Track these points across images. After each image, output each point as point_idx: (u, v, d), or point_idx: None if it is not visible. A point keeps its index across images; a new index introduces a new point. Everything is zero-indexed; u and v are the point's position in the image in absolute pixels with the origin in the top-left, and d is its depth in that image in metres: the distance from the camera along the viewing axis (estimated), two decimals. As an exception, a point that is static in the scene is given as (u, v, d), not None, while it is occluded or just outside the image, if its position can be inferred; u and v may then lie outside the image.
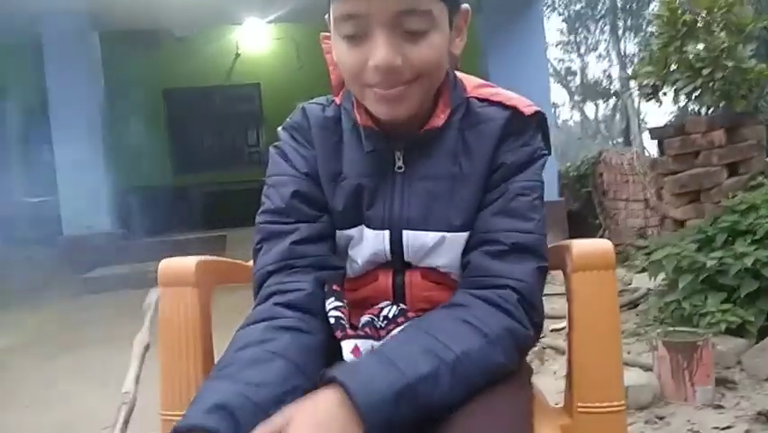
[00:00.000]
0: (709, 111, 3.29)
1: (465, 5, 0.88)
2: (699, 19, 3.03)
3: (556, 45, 18.58)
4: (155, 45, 7.99)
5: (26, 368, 3.48)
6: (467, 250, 0.87)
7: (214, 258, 1.06)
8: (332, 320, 0.82)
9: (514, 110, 0.89)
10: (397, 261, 0.90)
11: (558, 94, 20.27)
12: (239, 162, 8.72)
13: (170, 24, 7.33)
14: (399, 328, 0.83)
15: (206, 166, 8.63)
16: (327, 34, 0.88)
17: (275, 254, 0.87)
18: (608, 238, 5.98)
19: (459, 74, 0.94)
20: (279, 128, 0.96)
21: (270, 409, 0.66)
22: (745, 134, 2.96)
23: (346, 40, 0.80)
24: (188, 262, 0.97)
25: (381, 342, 0.80)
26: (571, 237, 5.13)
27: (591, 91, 18.11)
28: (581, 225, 6.76)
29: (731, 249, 2.72)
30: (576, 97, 19.06)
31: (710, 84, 2.92)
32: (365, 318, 0.86)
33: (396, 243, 0.88)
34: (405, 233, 0.87)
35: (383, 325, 0.84)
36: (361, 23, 0.78)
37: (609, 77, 17.94)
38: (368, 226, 0.89)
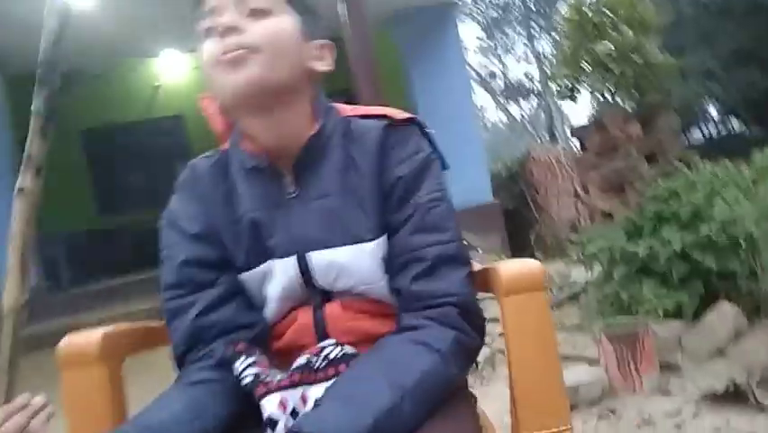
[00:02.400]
0: (625, 103, 3.41)
1: (327, 42, 0.93)
2: (605, 20, 3.14)
3: (476, 51, 19.09)
4: (68, 85, 7.64)
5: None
6: (393, 275, 0.87)
7: (125, 325, 0.97)
8: (249, 378, 0.79)
9: (389, 119, 0.92)
10: (315, 295, 0.89)
11: (483, 97, 20.79)
12: (167, 198, 8.42)
13: (84, 63, 7.03)
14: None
15: (133, 204, 8.28)
16: (205, 97, 0.95)
17: (182, 334, 0.86)
18: (544, 232, 6.14)
19: (338, 104, 0.97)
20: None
21: None
22: (659, 124, 3.08)
23: (206, 36, 0.86)
24: (93, 337, 0.88)
25: (329, 382, 0.78)
26: (509, 234, 5.22)
27: (514, 92, 18.67)
28: (518, 222, 6.91)
29: (659, 236, 2.81)
30: (500, 99, 19.59)
31: (622, 80, 3.02)
32: (301, 360, 0.82)
33: (304, 268, 0.87)
34: (309, 255, 0.87)
35: (322, 366, 0.81)
36: (215, 14, 0.85)
37: (529, 77, 18.58)
38: (273, 257, 0.88)
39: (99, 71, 7.68)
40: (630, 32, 3.12)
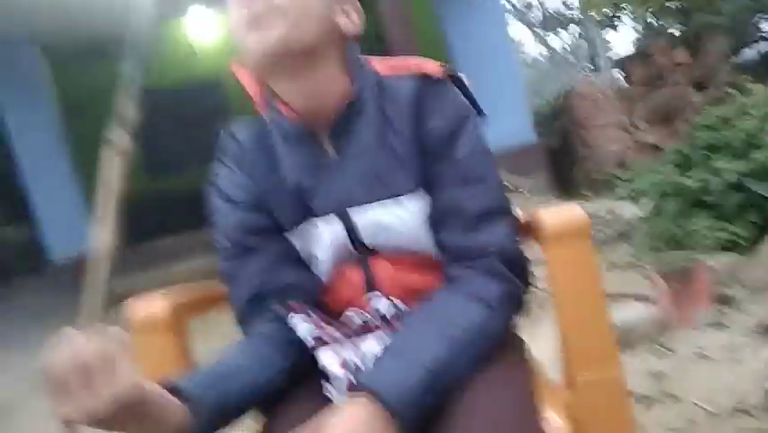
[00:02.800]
0: (670, 28, 3.24)
1: (354, 1, 0.92)
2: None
3: (511, -19, 18.26)
4: (104, 53, 7.76)
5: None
6: (436, 229, 0.88)
7: (186, 288, 1.02)
8: (304, 333, 0.84)
9: (423, 75, 0.91)
10: (360, 251, 0.91)
11: (521, 30, 20.02)
12: (213, 158, 8.58)
13: (114, 28, 7.10)
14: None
15: (181, 166, 8.50)
16: (237, 65, 0.96)
17: (239, 298, 0.90)
18: (591, 167, 5.98)
19: (368, 57, 0.97)
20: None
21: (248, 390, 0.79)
22: (708, 48, 2.92)
23: (234, 6, 0.86)
24: (160, 303, 0.94)
25: (380, 333, 0.84)
26: (554, 173, 5.12)
27: (553, 22, 17.89)
28: (563, 159, 6.76)
29: (711, 167, 2.72)
30: (539, 31, 18.83)
31: (663, 4, 2.86)
32: (352, 314, 0.86)
33: (348, 225, 0.89)
34: (352, 212, 0.88)
35: (372, 320, 0.85)
36: None
37: (568, 5, 17.71)
38: (318, 217, 0.90)
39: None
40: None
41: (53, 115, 5.95)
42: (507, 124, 5.91)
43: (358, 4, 0.93)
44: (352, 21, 0.91)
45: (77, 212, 5.82)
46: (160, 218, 7.48)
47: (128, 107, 0.80)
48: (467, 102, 0.92)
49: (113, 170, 0.78)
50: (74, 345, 0.62)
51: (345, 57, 0.92)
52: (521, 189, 5.79)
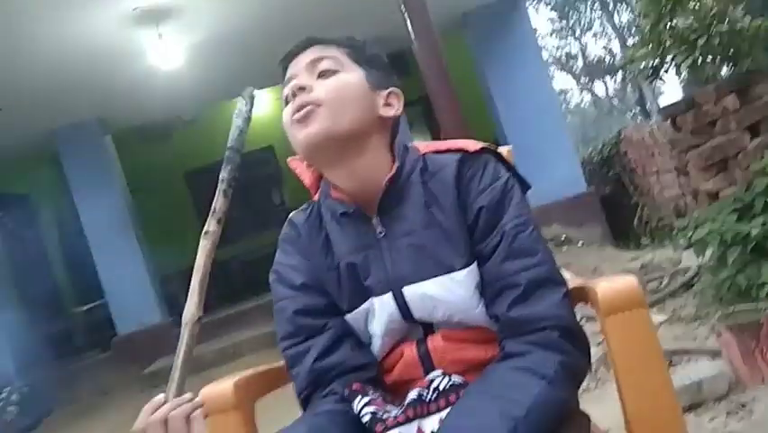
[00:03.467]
0: (717, 75, 3.21)
1: (394, 89, 0.99)
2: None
3: (551, 34, 18.50)
4: (166, 133, 8.25)
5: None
6: (489, 303, 0.89)
7: (252, 371, 1.07)
8: (367, 417, 0.85)
9: (462, 151, 0.95)
10: (416, 329, 0.93)
11: (564, 80, 20.08)
12: (269, 224, 8.85)
13: (179, 111, 7.57)
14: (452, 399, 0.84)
15: (239, 235, 8.77)
16: (292, 158, 1.06)
17: (303, 380, 0.93)
18: (648, 215, 5.83)
19: (414, 142, 1.03)
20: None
21: None
22: (758, 92, 2.87)
23: (286, 102, 0.96)
24: (226, 386, 0.99)
25: (441, 414, 0.83)
26: (609, 221, 5.02)
27: (596, 70, 17.90)
28: (617, 207, 6.62)
29: (773, 212, 2.62)
30: (582, 79, 18.86)
31: (709, 52, 2.85)
32: (413, 394, 0.86)
33: (402, 302, 0.92)
34: (405, 289, 0.91)
35: (433, 398, 0.85)
36: (292, 82, 0.95)
37: (611, 51, 17.74)
38: (372, 295, 0.93)
39: (192, 117, 8.24)
40: (710, 0, 2.94)
41: (120, 194, 6.29)
42: (558, 175, 5.88)
43: (398, 88, 0.99)
44: (391, 104, 0.98)
45: (142, 287, 6.06)
46: (222, 289, 7.69)
47: (220, 201, 0.93)
48: (510, 174, 0.95)
49: (205, 254, 0.90)
50: (160, 408, 0.75)
51: (389, 138, 0.98)
52: (576, 241, 5.69)
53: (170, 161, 8.33)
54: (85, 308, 6.69)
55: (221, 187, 0.95)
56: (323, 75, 0.94)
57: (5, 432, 2.99)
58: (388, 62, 1.04)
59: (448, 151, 0.96)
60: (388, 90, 0.98)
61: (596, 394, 2.41)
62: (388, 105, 0.97)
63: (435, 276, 0.90)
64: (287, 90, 0.96)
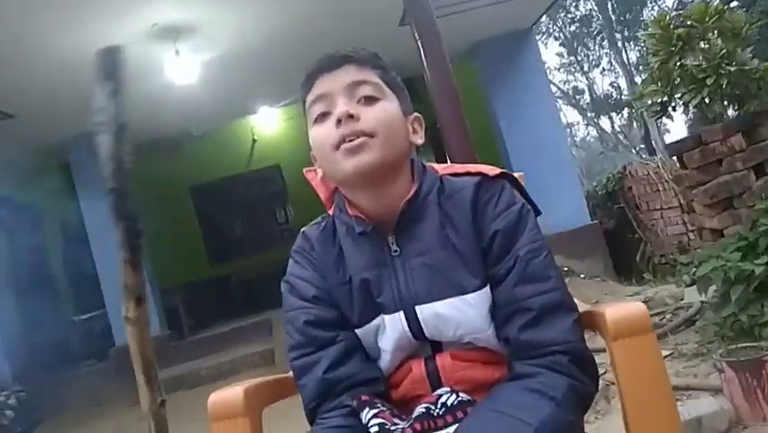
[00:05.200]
0: (723, 116, 3.25)
1: (417, 113, 1.01)
2: (692, 31, 3.04)
3: (559, 69, 18.70)
4: (175, 147, 8.32)
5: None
6: (500, 325, 0.90)
7: (260, 380, 1.08)
8: (375, 429, 0.85)
9: (480, 175, 0.96)
10: (425, 346, 0.94)
11: (570, 114, 20.24)
12: (272, 243, 8.87)
13: (189, 126, 7.64)
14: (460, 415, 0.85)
15: (241, 252, 8.79)
16: (308, 168, 1.04)
17: (312, 390, 0.94)
18: (651, 251, 5.82)
19: (430, 163, 1.04)
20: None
21: None
22: (764, 133, 2.92)
23: (317, 122, 0.95)
24: (236, 393, 1.00)
25: (449, 429, 0.84)
26: (611, 255, 5.00)
27: (603, 105, 18.05)
28: (620, 242, 6.64)
29: (777, 252, 2.63)
30: (589, 114, 19.01)
31: (717, 92, 2.90)
32: (421, 408, 0.87)
33: (413, 321, 0.92)
34: (417, 308, 0.92)
35: (441, 413, 0.86)
36: (327, 101, 0.94)
37: (618, 88, 17.90)
38: (384, 313, 0.94)
39: (202, 133, 8.32)
40: (720, 41, 3.00)
41: (127, 205, 6.30)
42: (562, 207, 5.91)
43: (420, 116, 1.03)
44: (420, 134, 1.01)
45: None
46: (221, 304, 7.68)
47: (127, 275, 0.80)
48: (524, 200, 0.97)
49: (136, 342, 0.79)
50: None
51: (409, 162, 1.00)
52: (578, 273, 5.69)
53: (176, 174, 8.38)
54: (84, 317, 6.67)
55: (123, 257, 0.84)
56: (365, 101, 0.94)
57: (0, 436, 2.97)
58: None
59: (466, 174, 0.98)
60: (413, 116, 1.01)
61: (596, 426, 2.40)
62: (413, 129, 1.00)
63: (448, 297, 0.91)
64: (319, 108, 0.95)
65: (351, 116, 0.91)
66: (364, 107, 0.93)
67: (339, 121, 0.92)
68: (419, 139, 1.00)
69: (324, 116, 0.95)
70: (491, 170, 0.98)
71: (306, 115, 0.99)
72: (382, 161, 0.92)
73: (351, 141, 0.91)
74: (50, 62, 4.46)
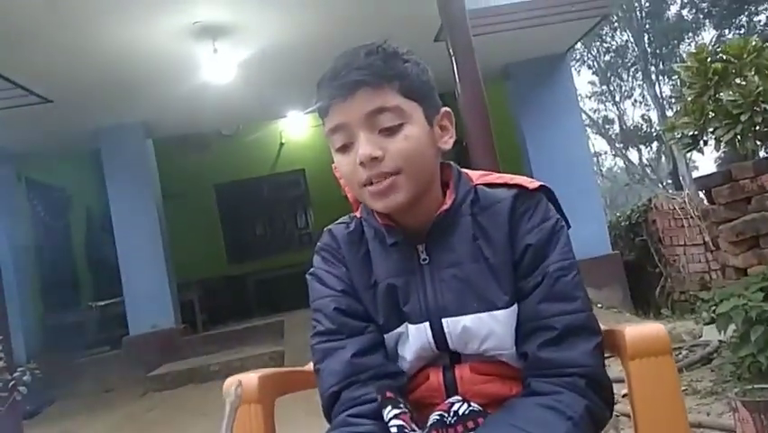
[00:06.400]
0: (756, 154, 3.22)
1: (445, 108, 0.96)
2: (729, 66, 3.03)
3: (590, 97, 18.59)
4: (204, 144, 8.45)
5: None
6: (520, 340, 0.89)
7: (274, 370, 1.10)
8: (394, 430, 0.85)
9: (519, 187, 0.94)
10: (445, 355, 0.93)
11: (599, 143, 20.08)
12: (291, 246, 8.93)
13: (219, 125, 7.76)
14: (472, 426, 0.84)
15: (259, 253, 8.86)
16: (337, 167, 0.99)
17: (336, 373, 0.91)
18: (671, 286, 5.73)
19: (464, 170, 1.00)
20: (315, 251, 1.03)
21: None
22: (795, 174, 2.89)
23: (339, 152, 0.92)
24: (251, 379, 1.02)
25: None
26: (630, 288, 4.95)
27: (632, 137, 17.89)
28: (640, 275, 6.55)
29: (801, 295, 2.59)
30: (617, 144, 18.84)
31: (751, 129, 2.88)
32: (434, 417, 0.87)
33: (438, 333, 0.91)
34: (444, 321, 0.91)
35: (452, 422, 0.86)
36: (346, 132, 0.89)
37: (649, 120, 17.75)
38: (409, 322, 0.93)
39: (231, 132, 8.44)
40: (757, 78, 2.98)
41: (153, 198, 6.41)
42: (584, 234, 5.84)
43: (449, 110, 0.97)
44: (446, 127, 0.96)
45: (159, 291, 6.12)
46: (236, 303, 7.74)
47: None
48: (558, 215, 0.95)
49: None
50: None
51: (442, 167, 0.97)
52: (595, 302, 5.63)
53: (203, 171, 8.52)
54: (101, 303, 6.76)
55: None
56: (387, 132, 0.88)
57: (12, 412, 3.02)
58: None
59: (504, 185, 0.96)
60: (441, 114, 0.95)
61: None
62: (442, 128, 0.95)
63: (477, 312, 0.90)
64: (339, 139, 0.90)
65: (375, 159, 0.87)
66: (386, 139, 0.88)
67: (362, 163, 0.88)
68: (448, 141, 0.95)
69: (345, 148, 0.90)
70: (530, 183, 0.95)
71: (325, 134, 0.94)
72: (413, 195, 0.90)
73: (378, 182, 0.88)
74: (93, 52, 4.57)
